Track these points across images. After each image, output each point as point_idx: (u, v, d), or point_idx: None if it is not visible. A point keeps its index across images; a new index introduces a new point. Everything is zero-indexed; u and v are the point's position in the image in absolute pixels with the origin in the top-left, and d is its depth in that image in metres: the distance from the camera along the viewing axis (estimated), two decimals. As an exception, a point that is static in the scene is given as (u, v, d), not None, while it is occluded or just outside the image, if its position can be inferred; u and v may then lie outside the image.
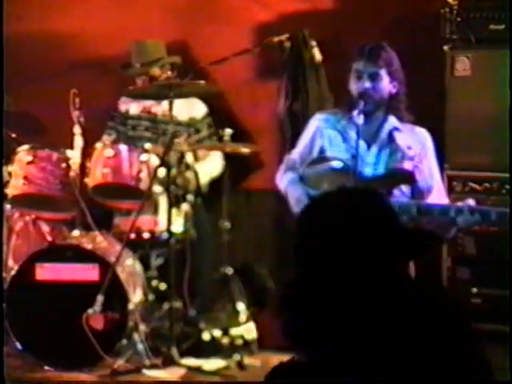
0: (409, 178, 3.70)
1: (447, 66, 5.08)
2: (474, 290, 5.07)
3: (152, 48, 5.40)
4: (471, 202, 3.56)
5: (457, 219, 3.52)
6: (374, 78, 3.73)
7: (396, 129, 3.75)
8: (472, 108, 5.04)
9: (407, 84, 4.19)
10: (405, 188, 3.71)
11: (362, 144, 3.70)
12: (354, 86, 3.74)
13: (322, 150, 3.82)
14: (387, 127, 3.75)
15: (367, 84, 3.70)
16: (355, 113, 3.66)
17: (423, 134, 3.81)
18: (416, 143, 3.76)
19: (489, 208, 3.62)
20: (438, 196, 3.75)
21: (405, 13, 5.37)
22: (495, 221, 3.55)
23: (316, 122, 3.88)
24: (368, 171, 3.70)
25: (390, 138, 3.75)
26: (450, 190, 4.99)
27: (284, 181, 3.89)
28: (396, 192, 3.69)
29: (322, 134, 3.83)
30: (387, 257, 1.74)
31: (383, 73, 3.75)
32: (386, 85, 3.76)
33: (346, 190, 1.88)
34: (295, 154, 3.94)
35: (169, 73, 5.36)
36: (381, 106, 3.74)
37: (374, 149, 3.74)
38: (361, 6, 5.41)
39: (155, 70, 5.33)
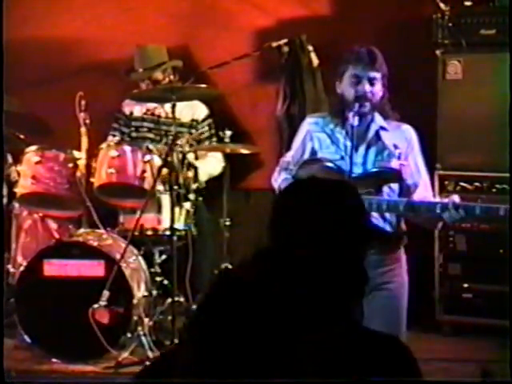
0: (396, 176, 3.75)
1: (439, 69, 5.17)
2: (465, 285, 5.17)
3: (154, 53, 5.49)
4: (456, 198, 3.64)
5: (442, 215, 3.62)
6: (373, 82, 3.77)
7: (382, 128, 3.81)
8: (463, 110, 5.13)
9: (401, 87, 4.26)
10: (393, 185, 3.79)
11: (350, 145, 3.76)
12: (350, 90, 3.74)
13: (313, 152, 3.88)
14: (374, 127, 3.80)
15: (367, 88, 3.74)
16: (350, 115, 3.70)
17: (408, 130, 3.86)
18: (402, 141, 3.81)
19: (473, 203, 3.70)
20: (424, 190, 3.82)
21: (398, 18, 5.44)
22: (480, 215, 3.61)
23: (306, 125, 3.93)
24: (356, 171, 3.74)
25: (377, 137, 3.80)
26: (442, 190, 5.12)
27: (278, 180, 3.95)
28: (385, 189, 3.76)
29: (311, 136, 3.88)
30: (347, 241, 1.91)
31: (379, 76, 3.80)
32: (381, 88, 3.82)
33: (318, 180, 2.06)
34: (289, 156, 4.00)
35: (171, 76, 5.44)
36: (375, 109, 3.80)
37: (362, 149, 3.79)
38: (356, 11, 5.50)
39: (158, 74, 5.41)
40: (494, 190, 5.08)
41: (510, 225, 3.61)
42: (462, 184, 5.15)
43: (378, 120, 3.82)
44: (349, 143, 3.75)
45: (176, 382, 1.89)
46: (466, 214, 3.56)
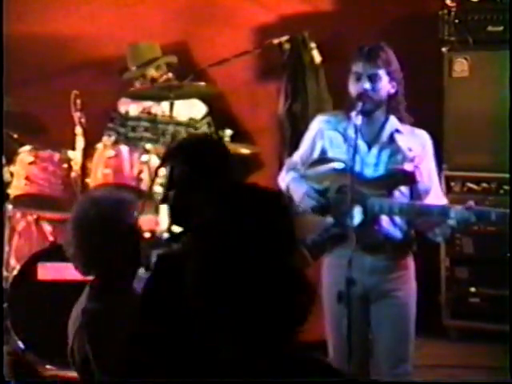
0: (409, 179, 3.70)
1: (445, 67, 5.13)
2: (473, 289, 5.11)
3: (146, 50, 5.41)
4: (472, 204, 3.58)
5: (450, 214, 3.54)
6: (373, 78, 3.70)
7: (397, 130, 3.75)
8: (470, 109, 5.08)
9: (406, 85, 4.20)
10: (404, 189, 3.72)
11: (363, 145, 3.69)
12: (353, 87, 3.72)
13: (323, 152, 3.81)
14: (388, 129, 3.74)
15: (366, 85, 3.68)
16: (353, 113, 3.65)
17: (423, 135, 3.80)
18: (416, 145, 3.75)
19: (489, 209, 3.64)
20: (435, 197, 3.76)
21: (404, 15, 5.40)
22: (495, 221, 3.57)
23: (317, 123, 3.87)
24: (369, 172, 3.69)
25: (391, 139, 3.74)
26: (449, 191, 5.04)
27: (286, 179, 3.88)
28: (396, 193, 3.70)
29: (322, 135, 3.82)
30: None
31: (382, 73, 3.72)
32: (385, 85, 3.73)
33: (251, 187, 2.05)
34: (296, 155, 3.94)
35: (169, 74, 5.38)
36: (380, 107, 3.73)
37: (375, 150, 3.72)
38: (360, 8, 5.44)
39: (151, 72, 5.33)
40: (501, 191, 5.03)
41: (510, 225, 3.54)
42: (468, 185, 5.10)
43: (393, 122, 3.75)
44: (361, 142, 3.69)
45: (174, 382, 1.95)
46: (480, 218, 3.51)
